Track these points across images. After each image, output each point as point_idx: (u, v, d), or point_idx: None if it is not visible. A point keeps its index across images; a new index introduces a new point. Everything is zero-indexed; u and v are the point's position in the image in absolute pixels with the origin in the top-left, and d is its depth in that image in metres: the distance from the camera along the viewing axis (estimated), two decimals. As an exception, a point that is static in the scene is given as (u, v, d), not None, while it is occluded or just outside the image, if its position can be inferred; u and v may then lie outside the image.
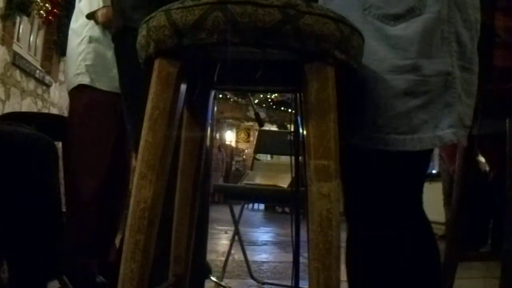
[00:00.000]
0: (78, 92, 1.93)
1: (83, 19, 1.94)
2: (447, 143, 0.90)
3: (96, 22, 1.90)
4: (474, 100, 0.96)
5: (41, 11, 3.78)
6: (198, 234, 1.01)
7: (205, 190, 1.35)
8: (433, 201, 5.52)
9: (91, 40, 1.91)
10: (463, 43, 0.91)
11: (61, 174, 2.09)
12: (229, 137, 14.39)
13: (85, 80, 1.90)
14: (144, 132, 0.74)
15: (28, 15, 3.75)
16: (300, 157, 1.52)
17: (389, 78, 0.88)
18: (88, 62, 1.90)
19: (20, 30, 3.90)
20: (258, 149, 3.29)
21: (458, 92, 0.90)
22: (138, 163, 0.74)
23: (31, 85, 4.01)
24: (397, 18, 0.89)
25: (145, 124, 0.74)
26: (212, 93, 0.98)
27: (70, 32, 2.04)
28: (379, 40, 0.88)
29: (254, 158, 3.47)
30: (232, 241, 2.61)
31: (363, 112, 0.90)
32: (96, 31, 1.91)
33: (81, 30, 1.95)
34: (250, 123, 12.93)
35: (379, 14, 0.89)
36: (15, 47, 3.74)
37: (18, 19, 3.68)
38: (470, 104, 0.94)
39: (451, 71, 0.90)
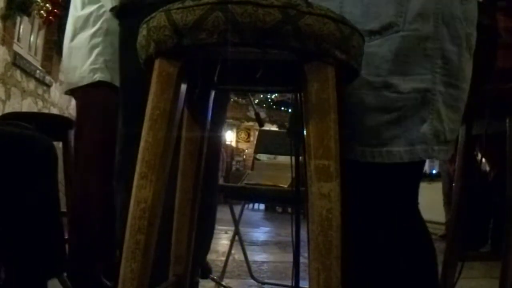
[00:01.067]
0: (92, 89, 1.79)
1: (95, 8, 1.80)
2: (416, 159, 0.89)
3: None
4: (460, 115, 0.95)
5: (42, 11, 3.78)
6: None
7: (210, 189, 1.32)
8: (433, 201, 5.52)
9: (107, 33, 1.77)
10: (449, 59, 0.90)
11: (61, 175, 2.08)
12: (229, 137, 14.40)
13: (106, 77, 1.77)
14: (144, 132, 0.74)
15: (29, 15, 3.75)
16: (300, 157, 1.52)
17: (360, 93, 0.88)
18: (106, 57, 1.76)
19: (21, 30, 3.90)
20: (258, 149, 3.29)
21: (436, 109, 0.89)
22: (138, 163, 0.74)
23: (32, 85, 4.02)
24: (372, 34, 0.88)
25: (145, 124, 0.74)
26: (212, 93, 0.99)
27: (76, 20, 1.87)
28: None
29: (255, 158, 3.48)
30: (233, 241, 2.61)
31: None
32: (114, 23, 1.63)
33: (94, 20, 1.80)
34: (250, 123, 12.92)
35: None
36: (16, 47, 3.74)
37: (18, 19, 3.68)
38: (454, 119, 0.93)
39: (430, 88, 0.89)
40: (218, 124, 1.28)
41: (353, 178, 0.94)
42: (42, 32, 4.44)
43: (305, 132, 0.74)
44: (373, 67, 0.88)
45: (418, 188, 0.99)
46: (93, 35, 1.80)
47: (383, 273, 0.94)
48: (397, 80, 0.88)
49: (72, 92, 1.94)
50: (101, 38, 1.79)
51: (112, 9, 1.60)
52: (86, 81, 1.81)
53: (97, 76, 1.78)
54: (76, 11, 1.88)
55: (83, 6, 1.84)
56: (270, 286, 2.49)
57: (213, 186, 1.32)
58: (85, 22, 1.83)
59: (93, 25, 1.81)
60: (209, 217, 1.30)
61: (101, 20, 1.80)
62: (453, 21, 0.90)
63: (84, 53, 1.82)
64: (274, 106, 9.98)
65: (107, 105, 1.74)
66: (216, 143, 1.31)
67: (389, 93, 0.88)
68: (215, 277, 2.30)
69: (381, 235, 0.94)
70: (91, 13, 1.82)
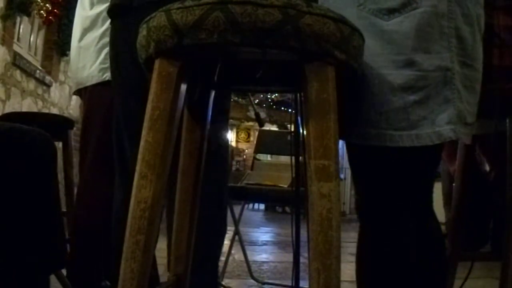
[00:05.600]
0: (101, 88, 1.78)
1: (103, 8, 1.76)
2: (445, 139, 0.88)
3: None
4: (476, 98, 0.95)
5: (42, 11, 3.78)
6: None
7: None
8: (433, 201, 5.49)
9: None
10: (463, 39, 0.90)
11: (61, 175, 2.08)
12: (229, 137, 14.39)
13: None
14: (144, 132, 0.74)
15: (29, 15, 3.75)
16: (300, 157, 1.52)
17: (385, 73, 0.88)
18: None
19: (21, 30, 3.90)
20: (258, 149, 3.29)
21: (457, 88, 0.89)
22: (138, 163, 0.74)
23: (32, 85, 4.02)
24: (391, 12, 0.88)
25: (145, 124, 0.74)
26: (212, 93, 0.99)
27: (84, 20, 1.86)
28: (374, 36, 0.87)
29: (254, 158, 3.48)
30: (232, 241, 2.61)
31: (360, 109, 0.90)
32: None
33: (103, 20, 1.79)
34: (250, 123, 12.92)
35: (373, 9, 0.89)
36: (16, 47, 3.74)
37: (18, 19, 3.68)
38: (471, 101, 0.93)
39: (450, 67, 0.89)
40: (219, 124, 1.27)
41: (369, 166, 0.94)
42: (42, 32, 4.43)
43: (305, 132, 0.74)
44: (395, 45, 0.88)
45: (433, 182, 0.99)
46: (103, 35, 1.80)
47: (394, 265, 0.94)
48: (420, 57, 0.87)
49: (80, 91, 1.93)
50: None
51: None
52: (95, 80, 1.81)
53: (107, 75, 1.77)
54: (84, 11, 1.88)
55: (92, 6, 1.84)
56: (270, 286, 2.49)
57: (223, 186, 1.31)
58: (93, 22, 1.82)
59: (102, 25, 1.80)
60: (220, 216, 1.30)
61: (110, 20, 1.80)
62: (465, 1, 0.91)
63: (93, 53, 1.81)
64: (274, 106, 9.99)
65: (113, 105, 1.75)
66: (221, 143, 1.31)
67: (413, 71, 0.87)
68: (215, 277, 2.29)
69: (392, 230, 0.94)
70: (100, 13, 1.81)
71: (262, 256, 3.58)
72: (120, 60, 1.23)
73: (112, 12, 1.26)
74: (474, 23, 0.93)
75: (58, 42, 4.43)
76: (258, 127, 3.17)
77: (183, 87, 0.80)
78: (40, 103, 4.23)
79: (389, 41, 0.88)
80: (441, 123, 0.88)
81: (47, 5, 3.82)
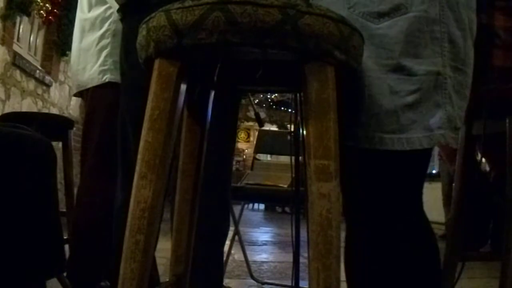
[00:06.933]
0: (102, 90, 1.80)
1: (101, 10, 1.81)
2: (435, 144, 0.89)
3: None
4: (466, 102, 0.95)
5: (41, 11, 3.79)
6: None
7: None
8: (433, 201, 5.51)
9: (115, 34, 1.76)
10: (456, 44, 0.90)
11: (61, 175, 2.08)
12: (230, 137, 14.32)
13: (115, 77, 1.73)
14: (144, 132, 0.74)
15: (28, 15, 3.75)
16: (300, 157, 1.53)
17: (375, 76, 0.88)
18: (115, 58, 1.73)
19: (20, 30, 3.90)
20: (258, 149, 3.30)
21: (448, 93, 0.89)
22: (138, 163, 0.74)
23: (31, 85, 4.02)
24: (381, 16, 0.88)
25: (145, 124, 0.74)
26: (212, 93, 0.99)
27: (83, 23, 1.89)
28: (364, 39, 0.88)
29: (254, 158, 3.48)
30: (232, 241, 2.62)
31: (352, 111, 0.90)
32: (120, 24, 1.62)
33: (101, 22, 1.82)
34: (250, 123, 12.91)
35: (363, 12, 0.89)
36: (15, 47, 3.74)
37: (18, 19, 3.68)
38: (461, 105, 0.93)
39: (442, 71, 0.89)
40: (226, 123, 1.27)
41: (359, 168, 0.94)
42: (42, 32, 4.43)
43: (305, 132, 0.74)
44: (385, 49, 0.88)
45: (424, 181, 0.99)
46: (101, 37, 1.81)
47: (386, 269, 0.94)
48: (409, 62, 0.88)
49: (81, 93, 1.94)
50: (110, 39, 1.80)
51: (118, 10, 1.61)
52: (95, 82, 1.82)
53: (107, 77, 1.80)
54: (83, 13, 1.89)
55: (90, 8, 1.86)
56: (270, 286, 2.50)
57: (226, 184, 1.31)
58: (92, 24, 1.84)
59: (101, 27, 1.82)
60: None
61: (108, 22, 1.81)
62: (457, 6, 0.91)
63: (92, 55, 1.83)
64: (274, 106, 10.00)
65: (116, 105, 1.76)
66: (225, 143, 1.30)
67: (402, 75, 0.88)
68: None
69: (382, 233, 0.94)
70: (98, 15, 1.83)
71: (262, 256, 3.58)
72: (131, 58, 1.23)
73: (128, 7, 1.25)
74: (466, 28, 0.93)
75: (58, 42, 4.43)
76: (258, 127, 3.18)
77: (183, 87, 0.80)
78: (40, 103, 4.23)
79: (378, 45, 0.88)
80: (432, 128, 0.88)
81: (47, 5, 3.83)
